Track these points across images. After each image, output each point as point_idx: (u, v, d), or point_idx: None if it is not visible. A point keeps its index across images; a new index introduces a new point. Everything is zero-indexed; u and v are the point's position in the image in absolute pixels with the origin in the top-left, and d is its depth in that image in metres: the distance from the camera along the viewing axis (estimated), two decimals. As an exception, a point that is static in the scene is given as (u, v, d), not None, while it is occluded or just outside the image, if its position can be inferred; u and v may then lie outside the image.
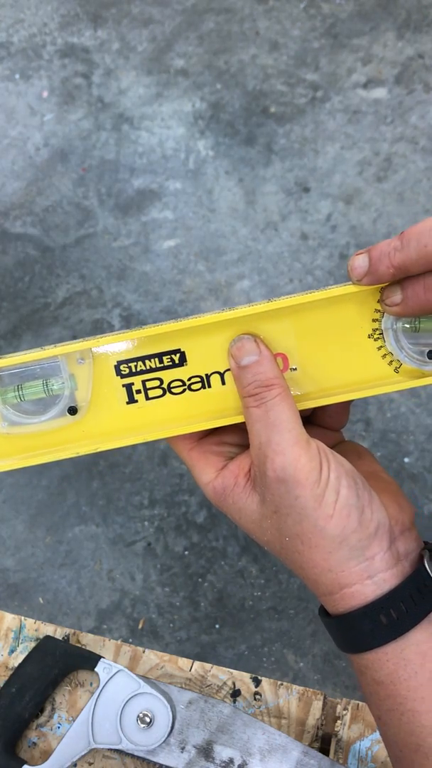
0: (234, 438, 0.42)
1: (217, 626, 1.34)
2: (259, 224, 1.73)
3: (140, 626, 1.35)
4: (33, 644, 0.61)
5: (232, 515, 0.41)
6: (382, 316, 0.39)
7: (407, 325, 0.39)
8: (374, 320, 0.39)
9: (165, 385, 0.41)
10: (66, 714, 0.59)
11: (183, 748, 0.55)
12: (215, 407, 0.41)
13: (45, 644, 0.60)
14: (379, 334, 0.39)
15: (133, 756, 0.56)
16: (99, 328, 1.64)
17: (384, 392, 0.40)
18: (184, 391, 0.41)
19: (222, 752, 0.55)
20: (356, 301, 0.39)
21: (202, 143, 1.85)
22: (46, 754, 0.57)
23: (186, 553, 1.41)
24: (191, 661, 0.60)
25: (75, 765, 0.56)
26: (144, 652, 0.61)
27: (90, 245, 1.76)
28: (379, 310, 0.39)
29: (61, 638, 0.61)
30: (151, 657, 0.61)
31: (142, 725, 0.55)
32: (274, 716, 0.58)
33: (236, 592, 1.36)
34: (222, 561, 1.39)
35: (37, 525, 1.46)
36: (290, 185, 1.77)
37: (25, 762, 0.55)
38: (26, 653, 0.60)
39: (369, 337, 0.40)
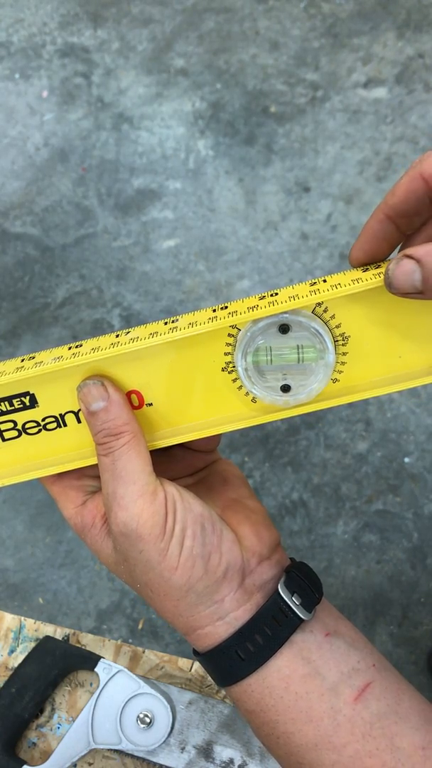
0: (95, 471, 0.41)
1: (217, 626, 1.34)
2: (259, 224, 1.73)
3: (140, 626, 1.35)
4: (33, 644, 0.61)
5: (93, 552, 0.41)
6: (234, 350, 0.38)
7: (259, 359, 0.38)
8: (226, 353, 0.38)
9: (20, 427, 0.40)
10: (66, 714, 0.59)
11: (183, 749, 0.55)
12: (74, 444, 0.41)
13: (45, 644, 0.59)
14: (233, 366, 0.38)
15: (133, 756, 0.56)
16: (99, 328, 1.64)
17: (243, 427, 0.39)
18: (40, 431, 0.40)
19: (222, 752, 0.55)
20: (208, 335, 0.38)
21: (202, 143, 1.85)
22: (46, 755, 0.57)
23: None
24: (191, 661, 0.60)
25: (75, 765, 0.56)
26: (144, 652, 0.61)
27: (90, 245, 1.76)
28: (230, 344, 0.38)
29: (60, 638, 0.61)
30: (151, 657, 0.60)
31: (142, 725, 0.55)
32: (275, 716, 0.58)
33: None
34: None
35: (37, 525, 1.46)
36: (290, 185, 1.77)
37: (24, 762, 0.55)
38: (26, 653, 0.60)
39: (223, 370, 0.38)
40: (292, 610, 0.38)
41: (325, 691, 0.37)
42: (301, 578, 0.40)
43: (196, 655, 0.40)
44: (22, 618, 0.63)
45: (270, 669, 0.38)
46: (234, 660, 0.38)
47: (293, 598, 0.39)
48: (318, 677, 0.38)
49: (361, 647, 0.39)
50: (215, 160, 1.82)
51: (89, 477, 0.42)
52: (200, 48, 1.99)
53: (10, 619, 0.63)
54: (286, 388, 0.38)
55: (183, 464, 0.45)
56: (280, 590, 0.39)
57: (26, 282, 1.72)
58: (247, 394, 0.39)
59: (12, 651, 0.62)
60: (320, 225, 1.70)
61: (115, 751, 0.57)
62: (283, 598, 0.39)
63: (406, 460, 1.44)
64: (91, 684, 0.59)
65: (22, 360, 0.40)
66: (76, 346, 0.40)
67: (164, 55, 1.99)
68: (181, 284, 1.68)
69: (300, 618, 0.38)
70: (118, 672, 0.56)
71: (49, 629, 0.62)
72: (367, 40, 1.94)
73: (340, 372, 0.38)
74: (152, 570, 0.37)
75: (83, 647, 0.61)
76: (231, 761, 0.55)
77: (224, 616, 0.38)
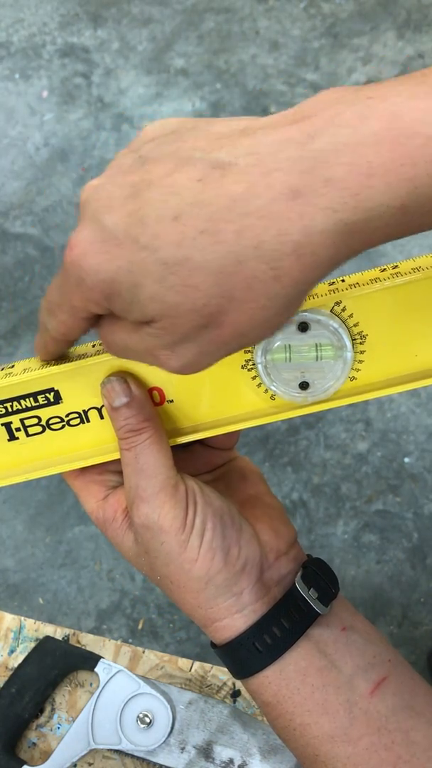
0: (117, 466, 0.42)
1: (217, 626, 1.34)
2: (259, 224, 1.73)
3: (140, 626, 1.35)
4: (33, 644, 0.61)
5: (114, 545, 0.42)
6: (253, 347, 0.39)
7: (278, 357, 0.38)
8: (246, 351, 0.39)
9: (44, 422, 0.41)
10: (66, 714, 0.59)
11: (183, 749, 0.55)
12: (96, 440, 0.42)
13: (45, 644, 0.60)
14: (252, 364, 0.39)
15: (133, 756, 0.56)
16: (99, 328, 1.64)
17: (262, 423, 0.40)
18: (63, 426, 0.41)
19: (222, 752, 0.55)
20: None
21: (202, 143, 1.85)
22: (46, 755, 0.57)
23: (186, 553, 1.40)
24: (191, 661, 0.60)
25: (75, 765, 0.56)
26: (144, 652, 0.61)
27: (90, 245, 1.76)
28: None
29: (60, 638, 0.61)
30: (151, 657, 0.61)
31: (142, 725, 0.55)
32: (274, 716, 0.58)
33: (236, 592, 1.36)
34: (222, 561, 1.39)
35: (37, 525, 1.46)
36: (290, 185, 1.77)
37: (24, 762, 0.55)
38: (26, 653, 0.60)
39: (242, 367, 0.39)
40: (309, 604, 0.39)
41: (342, 684, 0.38)
42: (318, 573, 0.41)
43: (214, 647, 0.41)
44: (22, 618, 0.63)
45: (287, 661, 0.38)
46: (252, 652, 0.39)
47: (310, 593, 0.39)
48: (334, 670, 0.38)
49: (376, 642, 0.40)
50: (215, 160, 1.82)
51: (111, 472, 0.43)
52: (200, 48, 1.99)
53: (10, 619, 0.63)
54: (304, 386, 0.39)
55: (202, 461, 0.45)
56: (297, 585, 0.40)
57: (26, 282, 1.72)
58: (266, 391, 0.40)
59: (12, 651, 0.62)
60: (320, 225, 1.71)
61: (115, 751, 0.57)
62: (300, 592, 0.39)
63: (406, 460, 1.44)
64: (91, 684, 0.60)
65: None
66: (100, 344, 0.40)
67: (164, 55, 1.99)
68: (181, 284, 1.68)
69: (317, 612, 0.39)
70: (118, 672, 0.56)
71: (49, 629, 0.62)
72: (367, 40, 1.94)
73: (358, 370, 0.39)
74: (173, 562, 0.38)
75: (83, 647, 0.61)
76: (231, 761, 0.55)
77: (242, 609, 0.39)
